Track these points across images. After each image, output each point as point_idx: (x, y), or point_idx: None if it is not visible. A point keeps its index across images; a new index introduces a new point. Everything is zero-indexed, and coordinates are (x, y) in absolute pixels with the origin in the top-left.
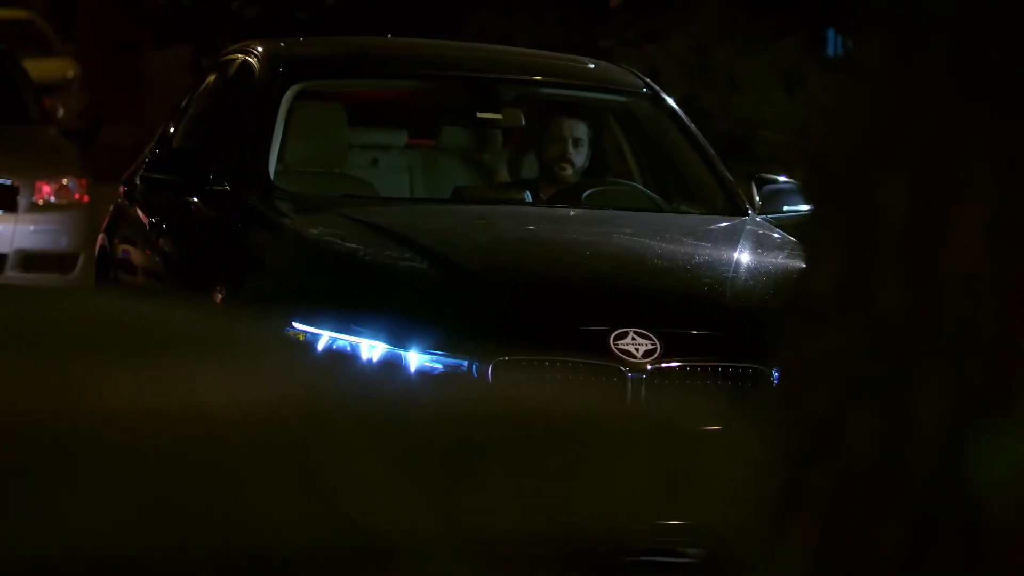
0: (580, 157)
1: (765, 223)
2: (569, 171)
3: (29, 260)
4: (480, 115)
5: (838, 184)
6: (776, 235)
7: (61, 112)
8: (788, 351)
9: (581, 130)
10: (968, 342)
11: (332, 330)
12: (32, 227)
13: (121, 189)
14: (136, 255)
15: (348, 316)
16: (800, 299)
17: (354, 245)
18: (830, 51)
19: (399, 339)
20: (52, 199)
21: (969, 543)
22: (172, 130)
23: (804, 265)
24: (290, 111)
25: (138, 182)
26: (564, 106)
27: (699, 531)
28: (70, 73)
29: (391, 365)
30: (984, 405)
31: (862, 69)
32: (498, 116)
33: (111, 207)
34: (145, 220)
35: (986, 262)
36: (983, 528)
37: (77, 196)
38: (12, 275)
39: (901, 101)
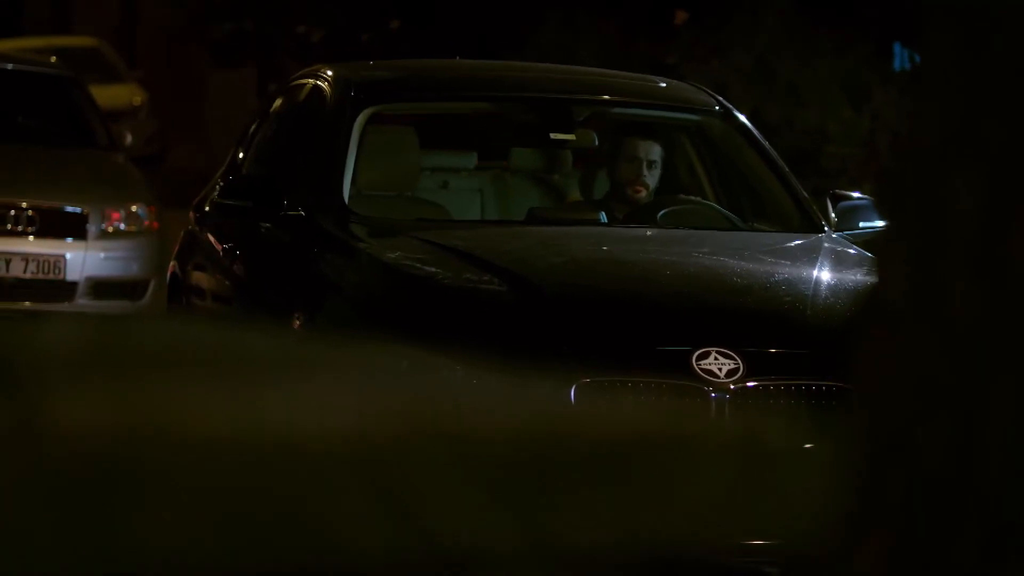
0: (654, 179)
1: (841, 240)
2: (643, 193)
3: (99, 288)
4: (553, 136)
5: (908, 192)
6: (853, 251)
7: (129, 138)
8: (861, 361)
9: (656, 152)
10: None
11: (413, 353)
12: (102, 254)
13: (191, 215)
14: (209, 281)
15: (428, 340)
16: (872, 308)
17: (432, 269)
18: (896, 65)
19: (480, 362)
20: (121, 226)
21: None
22: (241, 155)
23: (878, 274)
24: (362, 135)
25: (209, 208)
26: (638, 126)
27: (779, 550)
28: (137, 99)
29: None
30: None
31: (930, 77)
32: (571, 137)
33: (181, 233)
34: (218, 246)
35: None
36: None
37: (147, 223)
38: (83, 303)
39: (969, 107)
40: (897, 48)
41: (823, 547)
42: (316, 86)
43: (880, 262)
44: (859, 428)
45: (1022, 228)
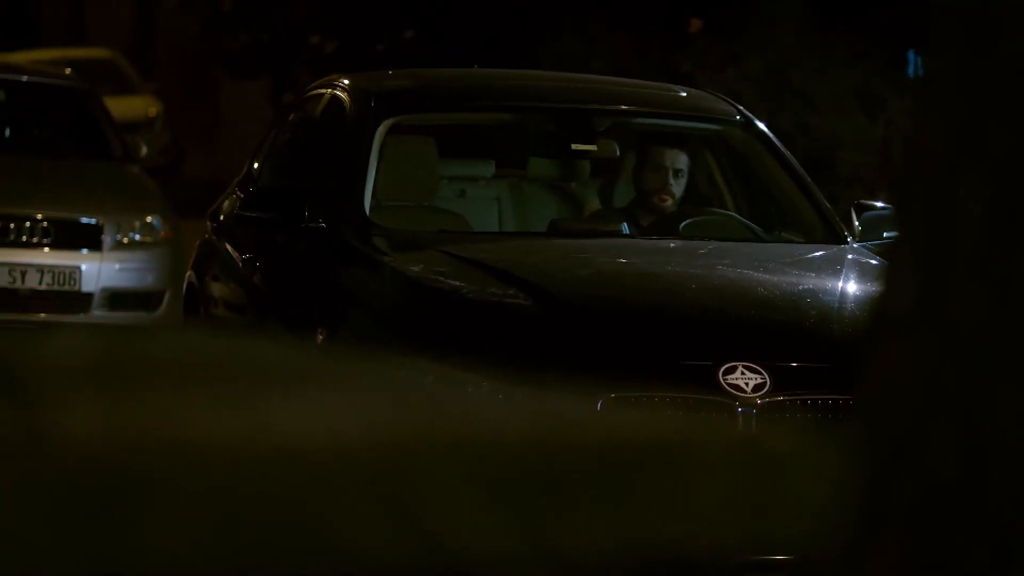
0: (680, 188)
1: (865, 250)
2: (669, 202)
3: (115, 299)
4: (575, 147)
5: (915, 199)
6: (877, 263)
7: (144, 150)
8: (868, 367)
9: (682, 161)
10: None
11: (437, 367)
12: (117, 265)
13: (207, 225)
14: (227, 292)
15: (452, 354)
16: (879, 315)
17: (456, 282)
18: (911, 72)
19: (506, 377)
20: (137, 237)
21: None
22: (257, 166)
23: (885, 281)
24: (382, 146)
25: (226, 218)
26: (664, 135)
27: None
28: (152, 110)
29: (498, 402)
30: None
31: (935, 83)
32: (593, 147)
33: (198, 243)
34: (237, 257)
35: None
36: None
37: (162, 234)
38: (99, 314)
39: (974, 112)
40: (911, 56)
41: (834, 556)
42: (334, 96)
43: (888, 268)
44: (866, 434)
45: None
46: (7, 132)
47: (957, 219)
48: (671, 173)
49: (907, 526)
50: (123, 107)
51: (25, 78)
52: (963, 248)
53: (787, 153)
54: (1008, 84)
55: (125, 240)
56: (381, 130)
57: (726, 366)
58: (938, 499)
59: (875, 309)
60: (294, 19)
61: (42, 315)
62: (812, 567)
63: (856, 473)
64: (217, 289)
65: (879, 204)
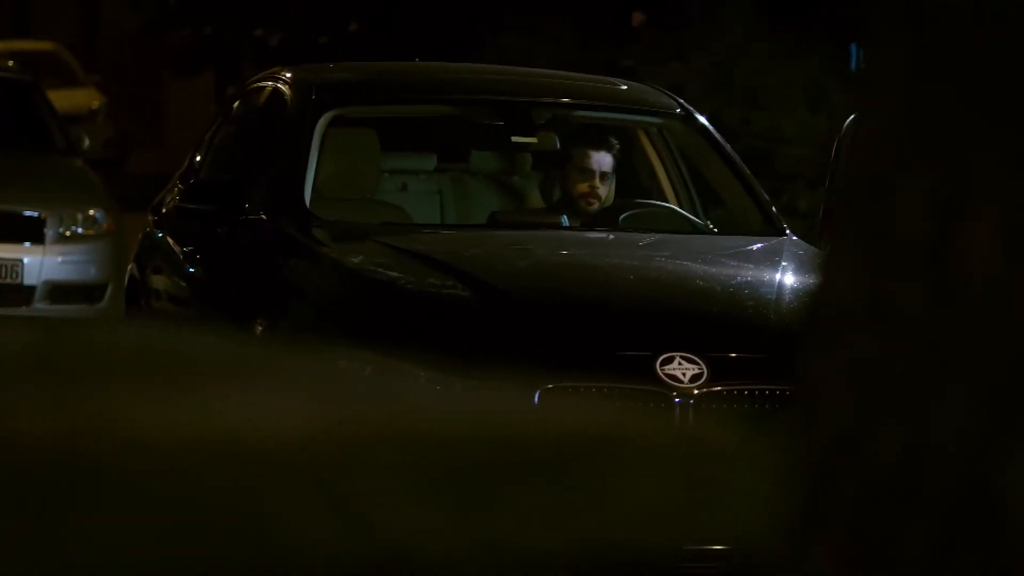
0: (605, 190)
1: (803, 243)
2: (595, 206)
3: (57, 291)
4: (515, 139)
5: (857, 193)
6: (816, 254)
7: (87, 142)
8: (807, 361)
9: (608, 163)
10: (990, 349)
11: (376, 358)
12: (60, 258)
13: (150, 218)
14: (169, 284)
15: (391, 345)
16: (818, 311)
17: (396, 274)
18: (854, 66)
19: (444, 368)
20: (79, 230)
21: (993, 554)
22: (200, 159)
23: (823, 277)
24: (323, 138)
25: (168, 211)
26: (590, 136)
27: (731, 553)
28: (95, 103)
29: (436, 393)
30: (1008, 412)
31: (877, 79)
32: (533, 140)
33: (140, 236)
34: (178, 249)
35: (1005, 268)
36: (1008, 539)
37: (105, 226)
38: (41, 307)
39: (916, 111)
40: (854, 49)
41: (774, 550)
42: (276, 89)
43: (825, 265)
44: (806, 428)
45: (968, 230)
46: None
47: (899, 213)
48: (597, 176)
49: (848, 519)
50: (66, 100)
51: None
52: (905, 242)
53: (727, 146)
54: (952, 77)
55: (68, 233)
56: (322, 122)
57: (663, 357)
58: (879, 492)
59: (814, 302)
60: (237, 13)
61: None
62: (753, 558)
63: (797, 466)
64: (159, 282)
65: None
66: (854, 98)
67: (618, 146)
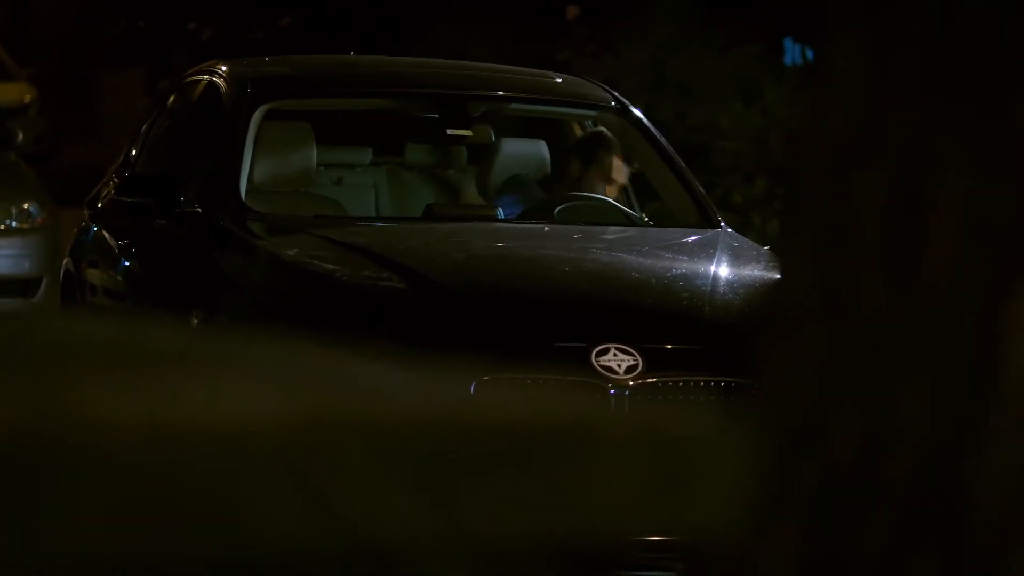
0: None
1: (739, 235)
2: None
3: None
4: (450, 132)
5: (812, 187)
6: (751, 247)
7: (20, 136)
8: (766, 355)
9: (625, 175)
10: (948, 343)
11: (311, 350)
12: None
13: (85, 212)
14: (105, 278)
15: (326, 337)
16: (777, 301)
17: (331, 266)
18: (788, 60)
19: (380, 359)
20: (13, 223)
21: (952, 545)
22: (135, 152)
23: (780, 269)
24: (258, 131)
25: (103, 205)
26: (617, 143)
27: (683, 546)
28: (27, 97)
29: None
30: (966, 406)
31: (832, 71)
32: (468, 133)
33: (75, 230)
34: (114, 243)
35: (966, 262)
36: (966, 530)
37: (38, 220)
38: None
39: (873, 102)
40: (788, 44)
41: (729, 541)
42: (211, 82)
43: (783, 254)
44: (765, 421)
45: (927, 223)
46: None
47: (855, 206)
48: (616, 188)
49: (807, 511)
50: None
51: None
52: (861, 235)
53: (662, 139)
54: (908, 70)
55: (1, 227)
56: (257, 115)
57: (599, 348)
58: (838, 486)
59: (771, 295)
60: (170, 6)
61: None
62: (711, 550)
63: (756, 458)
64: (94, 275)
65: None
66: (810, 88)
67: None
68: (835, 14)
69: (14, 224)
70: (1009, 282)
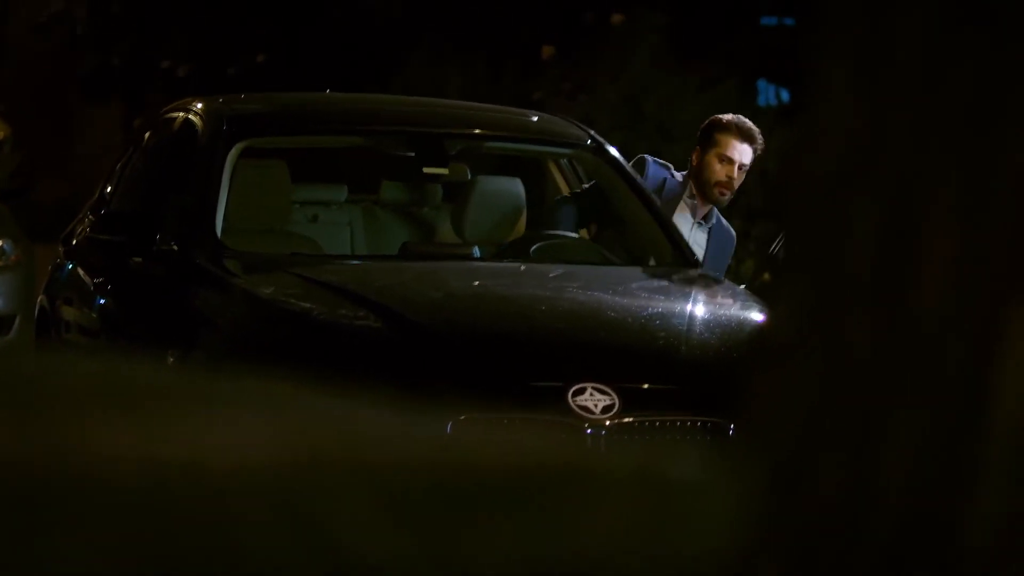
0: (739, 182)
1: (713, 274)
2: (727, 196)
3: None
4: (426, 170)
5: (804, 223)
6: (727, 286)
7: None
8: (756, 391)
9: (749, 156)
10: (938, 380)
11: (287, 389)
12: None
13: (60, 249)
14: (80, 315)
15: (303, 375)
16: (767, 338)
17: (307, 304)
18: (761, 101)
19: (355, 397)
20: None
21: None
22: (111, 189)
23: (771, 306)
24: (234, 169)
25: (79, 242)
26: (738, 127)
27: None
28: (1, 134)
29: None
30: (956, 444)
31: (822, 108)
32: (444, 171)
33: (50, 267)
34: (89, 280)
35: (957, 303)
36: (955, 569)
37: (12, 257)
38: None
39: (866, 135)
40: (762, 84)
41: None
42: (187, 119)
43: (775, 292)
44: (752, 460)
45: (918, 257)
46: None
47: (847, 243)
48: (736, 166)
49: (794, 549)
50: None
51: None
52: (852, 272)
53: (638, 178)
54: (898, 105)
55: None
56: (233, 153)
57: (575, 387)
58: (826, 522)
59: (762, 333)
60: (145, 43)
61: None
62: None
63: (740, 496)
64: (69, 313)
65: None
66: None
67: (761, 142)
68: (823, 52)
69: None
70: (1000, 317)
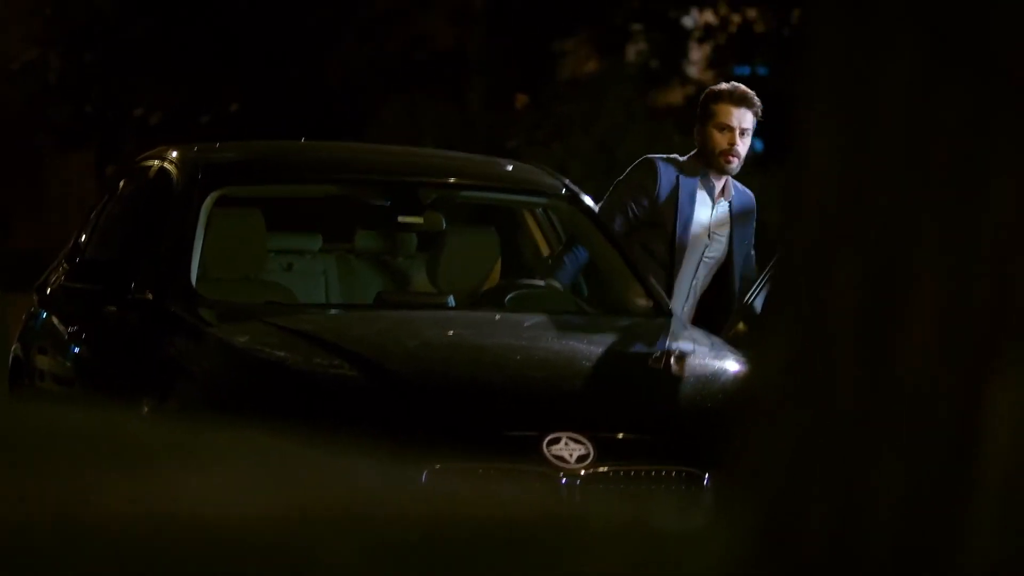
0: (745, 148)
1: (688, 324)
2: (735, 163)
3: None
4: (401, 219)
5: (790, 283)
6: (701, 335)
7: None
8: (742, 445)
9: (749, 120)
10: (923, 429)
11: (262, 438)
12: None
13: (35, 297)
14: (55, 364)
15: (278, 424)
16: (753, 394)
17: (282, 353)
18: None
19: (330, 446)
20: None
21: None
22: (85, 238)
23: (757, 356)
24: (209, 217)
25: (53, 290)
26: (730, 94)
27: None
28: None
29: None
30: (942, 493)
31: (809, 173)
32: (419, 220)
33: (24, 316)
34: (64, 329)
35: (937, 352)
36: None
37: None
38: None
39: (852, 191)
40: None
41: None
42: (162, 168)
43: (760, 349)
44: (738, 511)
45: (902, 311)
46: None
47: (831, 302)
48: (737, 132)
49: None
50: None
51: None
52: (836, 330)
53: (610, 227)
54: (882, 170)
55: None
56: (208, 202)
57: (550, 437)
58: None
59: (746, 388)
60: (117, 90)
61: None
62: None
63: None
64: (44, 362)
65: None
66: (785, 179)
67: (760, 105)
68: (808, 117)
69: None
70: (982, 370)
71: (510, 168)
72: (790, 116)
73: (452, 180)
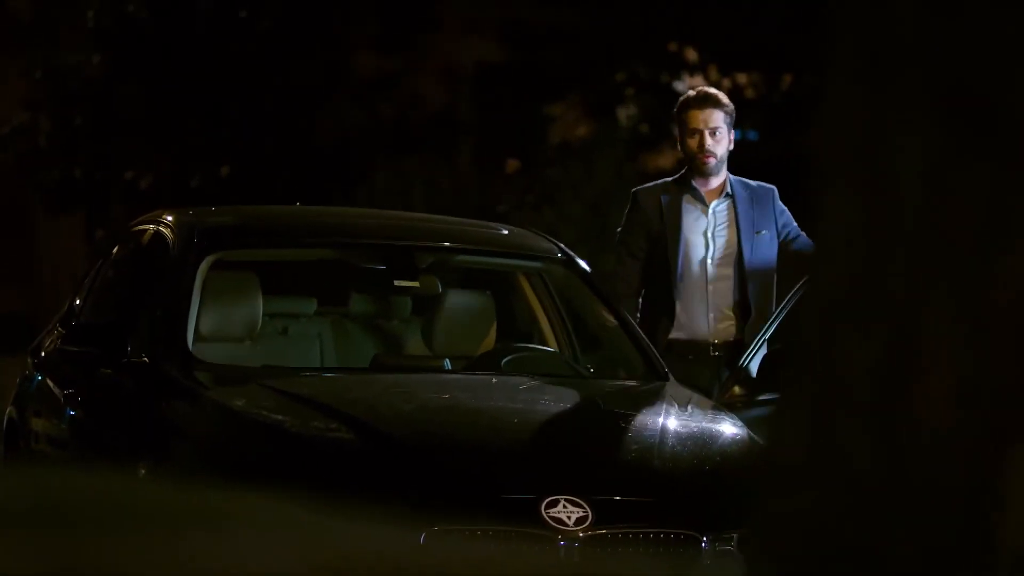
0: (721, 146)
1: (684, 387)
2: (712, 162)
3: None
4: (397, 283)
5: (808, 350)
6: (698, 399)
7: None
8: (758, 509)
9: (717, 118)
10: (939, 502)
11: (259, 502)
12: None
13: (29, 360)
14: (50, 427)
15: (275, 488)
16: (768, 461)
17: (279, 416)
18: None
19: (330, 511)
20: None
21: None
22: (80, 302)
23: (772, 426)
24: (204, 281)
25: (47, 354)
26: (693, 99)
27: None
28: None
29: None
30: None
31: (828, 241)
32: (415, 284)
33: (18, 379)
34: (59, 392)
35: (954, 419)
36: None
37: None
38: None
39: (869, 264)
40: None
41: None
42: (158, 232)
43: (776, 422)
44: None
45: (918, 380)
46: None
47: (849, 369)
48: (707, 133)
49: None
50: None
51: None
52: (854, 397)
53: (607, 290)
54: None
55: None
56: (204, 265)
57: (548, 500)
58: None
59: (766, 450)
60: (108, 154)
61: None
62: None
63: None
64: (39, 425)
65: None
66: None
67: (729, 105)
68: (830, 185)
69: None
70: (1004, 443)
71: (505, 232)
72: (805, 193)
73: (448, 244)
